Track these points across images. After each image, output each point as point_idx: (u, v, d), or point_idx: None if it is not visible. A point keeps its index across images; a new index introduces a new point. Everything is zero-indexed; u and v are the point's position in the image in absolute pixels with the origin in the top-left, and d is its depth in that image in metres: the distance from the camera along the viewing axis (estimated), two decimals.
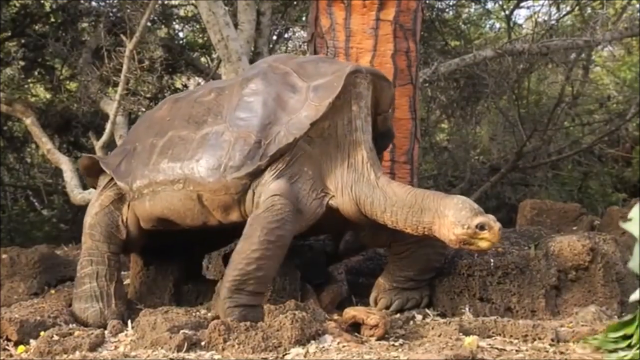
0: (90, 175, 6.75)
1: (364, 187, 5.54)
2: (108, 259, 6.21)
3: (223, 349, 4.95)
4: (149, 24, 9.70)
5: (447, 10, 14.20)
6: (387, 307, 5.99)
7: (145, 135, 6.15)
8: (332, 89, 5.52)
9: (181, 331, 5.24)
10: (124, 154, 6.21)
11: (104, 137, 9.19)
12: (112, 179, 6.24)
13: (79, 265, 6.25)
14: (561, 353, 4.78)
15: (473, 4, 14.90)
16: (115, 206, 6.22)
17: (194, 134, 5.71)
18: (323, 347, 5.04)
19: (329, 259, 6.72)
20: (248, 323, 5.19)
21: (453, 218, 5.12)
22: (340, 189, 5.61)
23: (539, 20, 13.24)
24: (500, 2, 14.50)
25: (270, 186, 5.39)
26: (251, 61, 9.45)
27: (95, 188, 6.73)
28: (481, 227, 5.06)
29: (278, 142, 5.43)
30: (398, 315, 5.88)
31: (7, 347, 5.40)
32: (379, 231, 5.80)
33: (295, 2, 13.20)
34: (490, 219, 5.12)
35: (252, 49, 10.16)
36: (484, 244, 5.15)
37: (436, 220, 5.24)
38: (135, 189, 5.93)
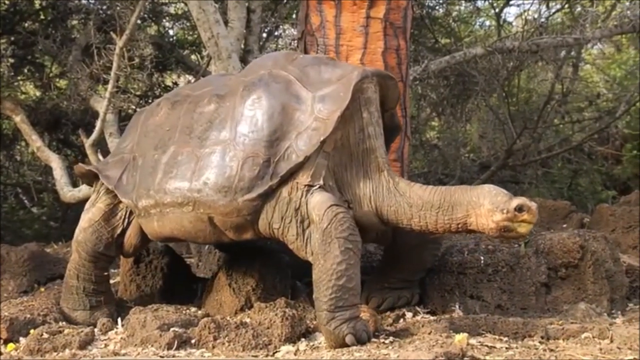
0: (86, 179, 6.65)
1: (385, 196, 5.41)
2: (95, 275, 6.15)
3: (213, 347, 4.96)
4: (139, 21, 9.65)
5: (437, 7, 14.19)
6: (379, 306, 5.98)
7: (144, 144, 5.97)
8: (339, 99, 5.34)
9: (171, 329, 5.25)
10: (124, 165, 6.03)
11: (94, 135, 9.16)
12: (104, 185, 6.14)
13: (68, 270, 6.22)
14: (551, 350, 4.80)
15: (463, 1, 14.90)
16: (106, 220, 6.08)
17: (198, 151, 5.51)
18: (313, 344, 5.06)
19: None
20: (238, 321, 5.20)
21: (490, 205, 4.99)
22: (358, 200, 5.47)
23: (529, 18, 13.26)
24: (490, 0, 14.51)
25: (316, 200, 5.18)
26: (241, 59, 9.45)
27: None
28: (519, 208, 4.92)
29: (288, 160, 5.26)
30: (388, 312, 5.88)
31: None
32: (385, 232, 5.74)
33: (285, 0, 13.19)
34: (526, 200, 5.01)
35: (243, 46, 10.15)
36: (523, 229, 5.00)
37: (471, 212, 5.10)
38: (142, 208, 5.76)
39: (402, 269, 6.01)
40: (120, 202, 6.07)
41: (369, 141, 5.52)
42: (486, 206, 5.02)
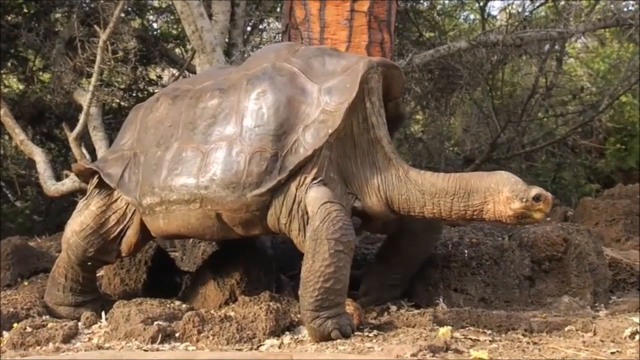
0: (83, 177, 6.47)
1: (395, 185, 5.39)
2: (83, 278, 6.15)
3: (197, 341, 4.96)
4: (122, 14, 9.63)
5: (421, 1, 14.18)
6: (374, 301, 5.97)
7: (145, 140, 5.89)
8: (347, 91, 5.30)
9: (155, 323, 5.25)
10: (125, 162, 5.92)
11: (78, 129, 9.11)
12: (97, 186, 6.08)
13: (57, 267, 6.21)
14: (534, 343, 4.81)
15: None
16: (98, 225, 5.99)
17: (203, 147, 5.45)
18: (297, 338, 5.06)
19: None
20: (223, 314, 5.19)
21: (509, 193, 5.02)
22: (366, 191, 5.45)
23: (513, 11, 13.27)
24: None
25: (312, 195, 5.17)
26: (225, 52, 9.43)
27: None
28: (537, 198, 4.98)
29: (296, 154, 5.22)
30: (373, 306, 5.88)
31: None
32: (392, 221, 5.70)
33: None
34: (542, 189, 5.06)
35: (227, 40, 10.13)
36: (538, 215, 5.06)
37: (489, 199, 5.12)
38: (146, 206, 5.67)
39: (401, 266, 6.04)
40: (113, 204, 6.02)
41: (372, 131, 5.49)
42: (505, 193, 5.05)
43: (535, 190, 5.01)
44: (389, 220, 5.61)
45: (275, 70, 5.52)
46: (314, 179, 5.23)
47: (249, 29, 13.06)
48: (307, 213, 5.17)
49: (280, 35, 9.53)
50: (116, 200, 6.00)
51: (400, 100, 5.99)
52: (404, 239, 5.96)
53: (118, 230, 6.00)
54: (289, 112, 5.32)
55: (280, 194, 5.27)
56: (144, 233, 5.94)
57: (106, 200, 6.03)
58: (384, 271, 6.08)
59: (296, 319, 5.32)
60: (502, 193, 5.06)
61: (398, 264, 6.04)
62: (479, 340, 4.87)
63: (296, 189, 5.24)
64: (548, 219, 8.89)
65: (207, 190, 5.33)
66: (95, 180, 6.12)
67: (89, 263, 6.09)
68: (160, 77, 13.62)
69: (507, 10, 13.63)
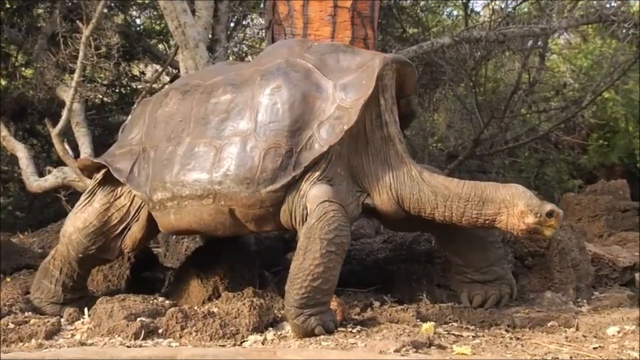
0: (86, 172, 6.43)
1: (407, 184, 5.37)
2: (77, 275, 6.12)
3: (180, 337, 4.95)
4: (105, 10, 9.59)
5: None
6: (484, 303, 5.78)
7: (155, 135, 5.86)
8: (363, 88, 5.29)
9: (138, 319, 5.23)
10: (133, 157, 5.88)
11: (60, 125, 9.07)
12: (101, 182, 6.05)
13: (53, 259, 6.16)
14: (517, 339, 4.83)
15: None
16: (102, 223, 5.96)
17: (217, 142, 5.43)
18: (281, 334, 5.06)
19: (287, 246, 6.72)
20: (206, 310, 5.18)
21: (524, 207, 5.03)
22: (376, 188, 5.44)
23: (496, 7, 13.28)
24: None
25: (313, 193, 5.15)
26: (209, 48, 9.41)
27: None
28: (550, 214, 5.00)
29: (311, 150, 5.21)
30: (356, 302, 5.88)
31: None
32: (410, 218, 5.60)
33: None
34: (555, 206, 5.08)
35: (210, 35, 10.12)
36: (548, 232, 5.09)
37: (503, 210, 5.11)
38: (157, 201, 5.66)
39: (466, 254, 5.86)
40: (116, 201, 5.99)
41: (386, 128, 5.49)
42: (520, 207, 5.06)
43: (549, 207, 5.04)
44: (401, 217, 5.56)
45: (290, 66, 5.51)
46: (320, 174, 5.23)
47: (232, 25, 13.05)
48: (306, 209, 5.17)
49: (263, 31, 9.51)
50: (120, 197, 5.99)
51: (412, 97, 5.96)
52: (446, 236, 5.85)
53: (121, 228, 5.99)
54: (304, 108, 5.32)
55: (293, 190, 5.26)
56: (150, 229, 5.94)
57: (110, 197, 6.01)
58: (467, 267, 5.85)
59: (280, 315, 5.32)
60: (517, 206, 5.07)
61: (477, 258, 5.84)
62: (462, 336, 4.88)
63: (306, 184, 5.24)
64: None
65: (220, 186, 5.33)
66: (99, 176, 6.09)
67: (89, 260, 6.09)
68: (143, 73, 13.60)
69: (490, 7, 13.65)
